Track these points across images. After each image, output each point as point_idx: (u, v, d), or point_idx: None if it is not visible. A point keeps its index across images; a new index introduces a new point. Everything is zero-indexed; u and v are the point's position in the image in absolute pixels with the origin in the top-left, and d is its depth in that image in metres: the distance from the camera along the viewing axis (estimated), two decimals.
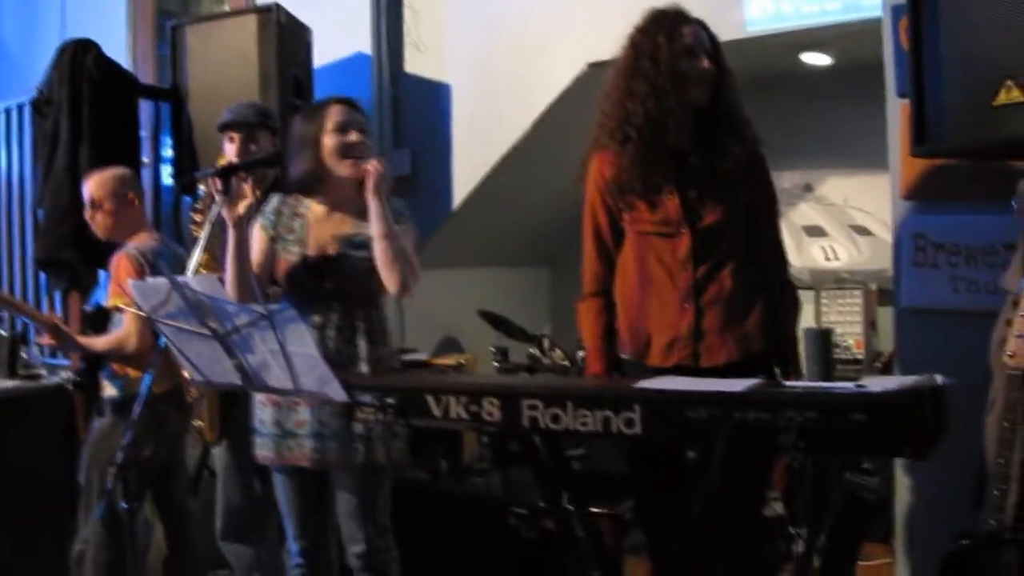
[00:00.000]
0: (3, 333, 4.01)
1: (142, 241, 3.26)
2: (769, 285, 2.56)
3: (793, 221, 5.05)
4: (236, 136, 3.16)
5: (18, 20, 7.03)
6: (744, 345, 2.46)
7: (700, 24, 2.52)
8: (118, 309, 3.17)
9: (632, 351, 2.58)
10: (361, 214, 2.68)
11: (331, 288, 2.67)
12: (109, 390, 3.26)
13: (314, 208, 2.76)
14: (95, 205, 3.28)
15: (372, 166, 2.59)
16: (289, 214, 2.76)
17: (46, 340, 3.32)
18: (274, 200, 2.79)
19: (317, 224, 2.73)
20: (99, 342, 3.21)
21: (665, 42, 2.45)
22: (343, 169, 2.68)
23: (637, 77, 2.46)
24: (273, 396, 2.63)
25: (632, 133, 2.47)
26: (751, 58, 4.22)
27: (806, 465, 3.17)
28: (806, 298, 4.74)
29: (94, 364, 3.29)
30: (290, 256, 2.71)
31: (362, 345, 2.66)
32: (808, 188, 5.01)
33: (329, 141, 2.67)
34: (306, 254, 2.70)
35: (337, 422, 2.58)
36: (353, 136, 2.69)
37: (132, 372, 3.20)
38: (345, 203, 2.73)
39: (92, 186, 3.30)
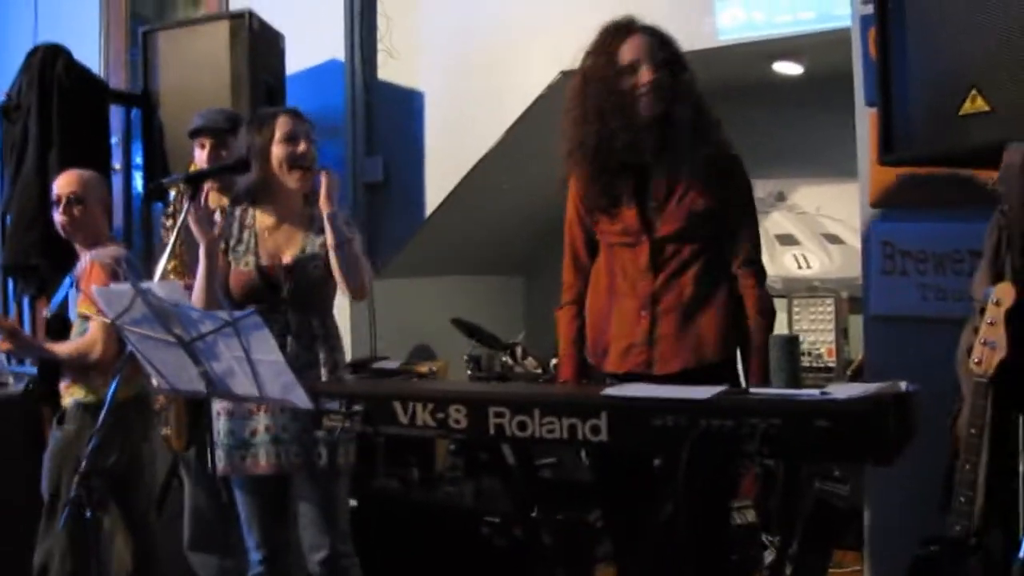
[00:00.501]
0: None
1: (108, 248, 3.23)
2: (735, 291, 2.53)
3: (766, 230, 5.07)
4: (207, 142, 3.15)
5: None
6: (698, 353, 2.45)
7: (650, 32, 2.48)
8: (86, 317, 3.14)
9: (592, 357, 2.60)
10: (309, 223, 2.74)
11: (287, 297, 2.70)
12: (74, 396, 3.21)
13: (262, 218, 2.78)
14: (74, 201, 3.21)
15: (325, 176, 2.60)
16: (237, 225, 2.78)
17: (3, 345, 3.24)
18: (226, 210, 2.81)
19: (267, 235, 2.76)
20: (62, 348, 3.17)
21: (604, 62, 2.46)
22: (292, 180, 2.71)
23: (585, 101, 2.48)
24: (228, 406, 2.66)
25: (588, 153, 2.49)
26: (723, 67, 4.23)
27: (777, 472, 3.18)
28: (778, 306, 4.75)
29: (52, 371, 3.24)
30: (242, 267, 2.72)
31: (320, 351, 2.70)
32: (781, 197, 5.03)
33: (278, 151, 2.70)
34: (261, 264, 2.72)
35: (296, 427, 2.61)
36: (302, 146, 2.71)
37: (93, 380, 3.17)
38: (293, 213, 2.77)
39: (71, 181, 3.25)
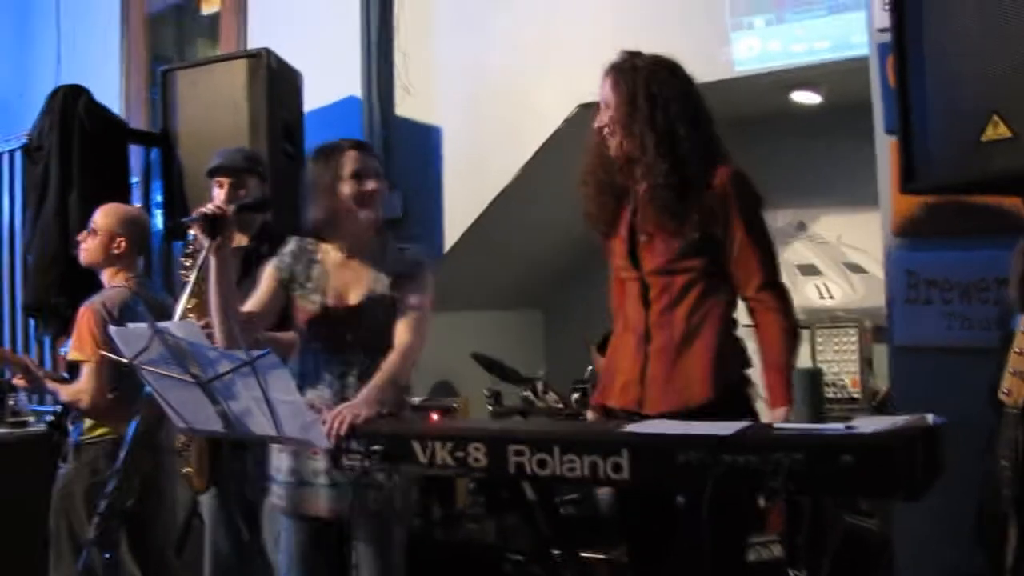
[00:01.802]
0: None
1: (116, 288, 3.26)
2: (729, 322, 2.47)
3: (787, 260, 5.03)
4: (224, 181, 3.15)
5: (14, 65, 7.08)
6: (684, 397, 2.37)
7: (618, 69, 2.47)
8: (77, 363, 3.15)
9: (603, 390, 2.58)
10: (380, 259, 2.69)
11: (352, 338, 2.63)
12: (71, 436, 3.26)
13: (331, 253, 2.72)
14: (90, 229, 3.31)
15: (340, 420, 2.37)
16: (306, 260, 2.73)
17: (19, 381, 3.31)
18: (291, 243, 2.77)
19: (335, 270, 2.71)
20: (62, 391, 3.22)
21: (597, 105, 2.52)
22: (361, 217, 2.66)
23: (597, 132, 2.53)
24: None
25: (589, 180, 2.56)
26: (740, 98, 4.23)
27: (803, 507, 3.13)
28: (801, 337, 4.71)
29: (67, 408, 3.27)
30: (310, 305, 2.68)
31: None
32: (801, 226, 5.00)
33: (346, 189, 2.64)
34: (327, 304, 2.66)
35: (354, 471, 2.45)
36: (371, 184, 2.67)
37: (87, 421, 3.21)
38: (362, 248, 2.71)
39: (100, 210, 3.34)
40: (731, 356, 2.44)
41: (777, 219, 5.02)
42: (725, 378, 2.41)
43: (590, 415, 2.71)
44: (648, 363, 2.44)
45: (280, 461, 2.67)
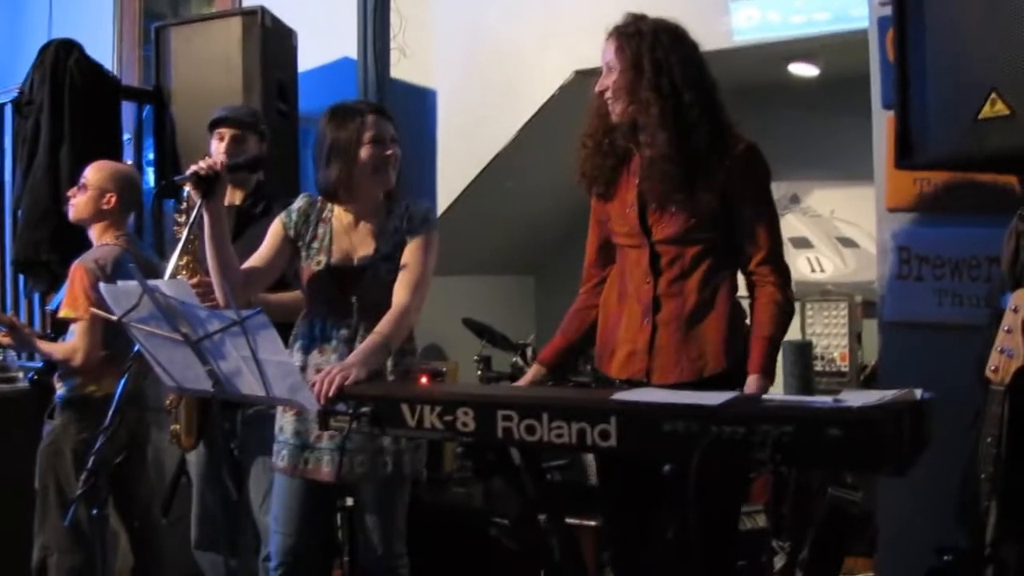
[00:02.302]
0: None
1: (106, 245, 3.26)
2: (747, 290, 2.46)
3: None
4: (226, 134, 3.12)
5: (5, 19, 6.99)
6: (697, 366, 2.38)
7: (622, 33, 2.42)
8: (65, 320, 3.15)
9: (598, 359, 2.56)
10: (386, 221, 2.67)
11: (356, 300, 2.62)
12: (58, 391, 3.27)
13: (340, 215, 2.71)
14: (79, 186, 3.30)
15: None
16: (315, 219, 2.72)
17: (4, 338, 3.31)
18: (300, 200, 2.75)
19: (343, 232, 2.70)
20: (52, 348, 3.24)
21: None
22: (377, 182, 2.65)
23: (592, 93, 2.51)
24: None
25: (588, 142, 2.52)
26: (738, 68, 4.21)
27: (789, 479, 3.15)
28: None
29: (53, 365, 3.27)
30: (315, 265, 2.67)
31: (389, 358, 2.60)
32: (795, 199, 5.00)
33: (365, 153, 2.62)
34: (332, 264, 2.66)
35: (361, 436, 2.50)
36: (390, 150, 2.65)
37: (76, 378, 3.21)
38: (371, 211, 2.70)
39: (90, 168, 3.34)
40: (742, 329, 2.44)
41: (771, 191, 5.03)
42: (737, 350, 2.41)
43: (533, 370, 2.69)
44: (657, 333, 2.42)
45: (284, 421, 2.67)
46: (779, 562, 3.64)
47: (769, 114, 4.75)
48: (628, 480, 2.43)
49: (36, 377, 3.36)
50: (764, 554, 3.47)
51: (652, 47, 2.37)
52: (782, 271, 2.44)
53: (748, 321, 2.47)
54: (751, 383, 2.32)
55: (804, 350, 3.55)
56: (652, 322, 2.42)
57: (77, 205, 3.30)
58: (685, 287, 2.41)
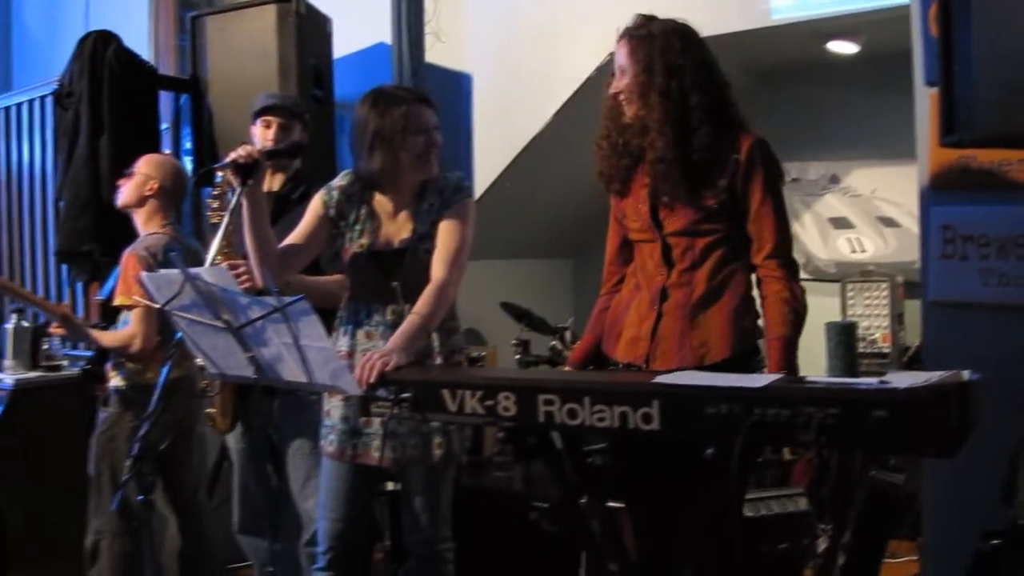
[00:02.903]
0: (25, 324, 4.01)
1: (154, 233, 3.29)
2: (751, 287, 2.47)
3: (819, 212, 4.99)
4: (274, 121, 3.14)
5: (43, 11, 7.06)
6: (700, 353, 2.38)
7: (624, 33, 2.45)
8: (125, 308, 3.18)
9: (604, 342, 2.59)
10: (421, 206, 2.66)
11: (400, 284, 2.61)
12: (114, 381, 3.30)
13: (381, 200, 2.70)
14: (131, 174, 3.36)
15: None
16: (357, 200, 2.70)
17: (57, 330, 3.36)
18: (342, 179, 2.73)
19: (384, 217, 2.69)
20: (106, 337, 3.26)
21: (611, 64, 2.49)
22: (421, 171, 2.64)
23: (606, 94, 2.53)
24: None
25: (603, 144, 2.53)
26: (776, 47, 4.17)
27: (830, 461, 3.12)
28: (832, 291, 4.69)
29: (105, 354, 3.31)
30: (356, 247, 2.67)
31: (435, 337, 2.60)
32: (834, 179, 4.94)
33: (411, 143, 2.59)
34: (374, 248, 2.65)
35: (411, 420, 2.48)
36: (434, 140, 2.64)
37: (132, 365, 3.24)
38: (411, 200, 2.68)
39: (142, 161, 3.39)
40: (749, 322, 2.44)
41: (809, 172, 4.97)
42: (742, 341, 2.41)
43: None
44: (661, 320, 2.44)
45: (331, 405, 2.68)
46: (821, 545, 3.62)
47: (808, 93, 4.71)
48: (649, 463, 2.42)
49: (88, 366, 3.40)
50: (806, 537, 3.45)
51: (663, 50, 2.39)
52: (789, 265, 2.44)
53: (758, 315, 2.46)
54: None
55: (848, 331, 3.51)
56: (658, 310, 2.45)
57: (123, 191, 3.36)
58: (694, 277, 2.43)
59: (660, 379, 2.03)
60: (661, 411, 1.94)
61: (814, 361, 3.00)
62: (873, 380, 1.84)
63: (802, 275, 2.50)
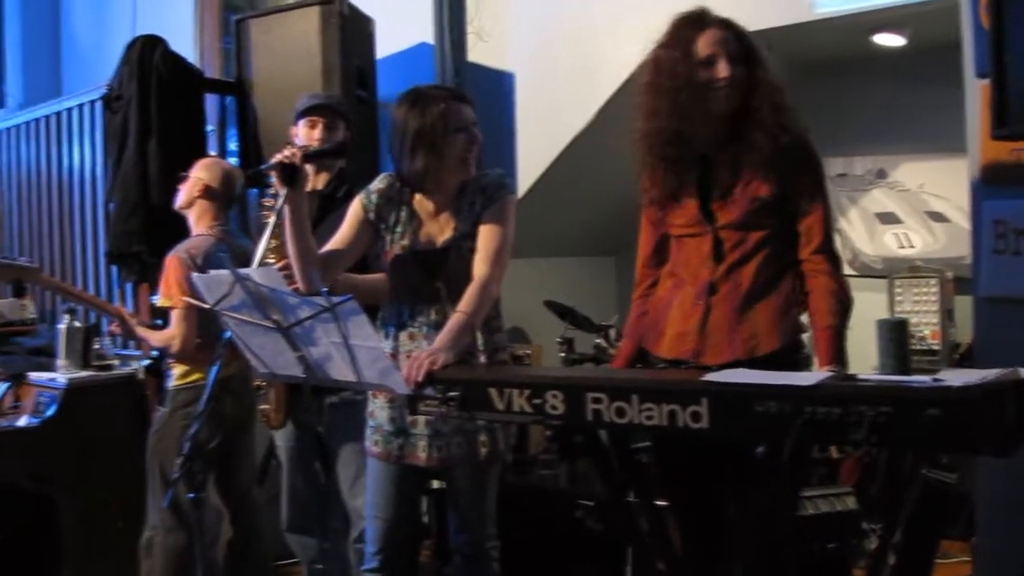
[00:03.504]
0: (78, 324, 4.08)
1: (200, 235, 3.35)
2: (800, 282, 2.44)
3: (865, 208, 4.93)
4: (319, 120, 3.16)
5: (91, 18, 7.17)
6: (750, 346, 2.36)
7: (725, 24, 2.40)
8: (166, 309, 3.23)
9: (646, 341, 2.56)
10: (463, 205, 2.66)
11: (443, 284, 2.61)
12: (168, 380, 3.37)
13: (421, 200, 2.69)
14: (186, 177, 3.42)
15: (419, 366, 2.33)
16: (396, 201, 2.70)
17: (115, 329, 3.47)
18: (382, 181, 2.72)
19: (425, 217, 2.68)
20: (153, 337, 3.33)
21: (680, 55, 2.39)
22: (463, 170, 2.63)
23: (658, 93, 2.42)
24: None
25: (657, 145, 2.44)
26: (820, 41, 4.12)
27: (879, 459, 3.08)
28: (879, 287, 4.63)
29: (164, 354, 3.38)
30: (398, 248, 2.68)
31: (478, 335, 2.60)
32: (881, 174, 4.88)
33: (453, 140, 2.58)
34: (416, 248, 2.65)
35: (456, 419, 2.50)
36: (475, 138, 2.63)
37: (181, 365, 3.31)
38: (452, 199, 2.67)
39: (196, 164, 3.46)
40: (795, 315, 2.42)
41: (855, 166, 4.92)
42: (790, 334, 2.40)
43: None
44: (710, 313, 2.41)
45: (375, 406, 2.70)
46: (870, 544, 3.58)
47: (853, 87, 4.66)
48: (696, 462, 2.41)
49: (151, 365, 3.48)
50: (855, 536, 3.42)
51: (749, 42, 2.39)
52: (834, 259, 2.43)
53: (798, 312, 2.44)
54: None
55: (900, 328, 3.46)
56: (706, 303, 2.42)
57: (180, 194, 3.43)
58: (743, 271, 2.41)
59: (709, 377, 2.01)
60: (710, 409, 1.92)
61: (861, 358, 2.96)
62: (926, 378, 1.81)
63: (849, 271, 2.48)
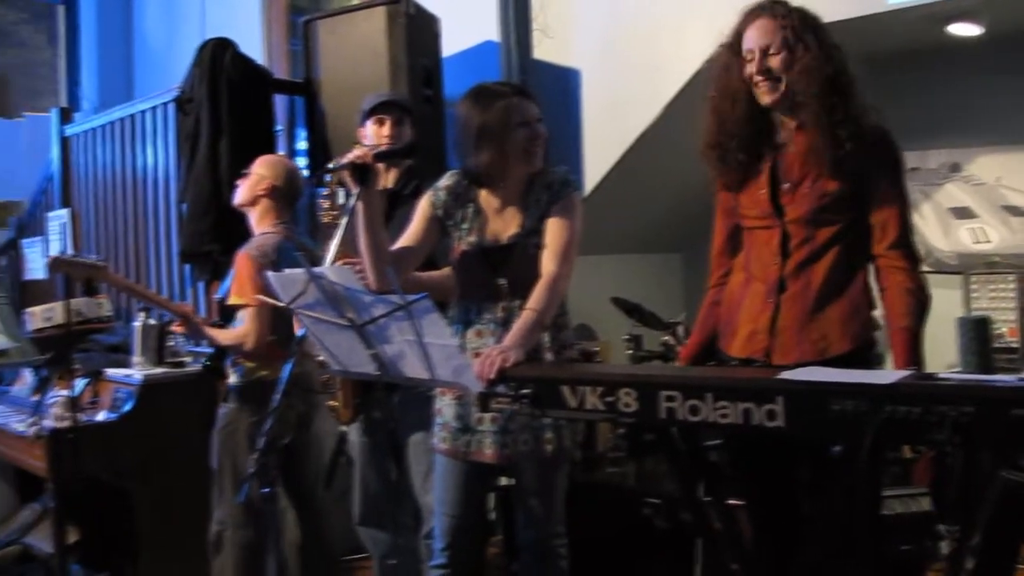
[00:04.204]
0: (152, 322, 4.17)
1: (266, 233, 3.38)
2: (876, 276, 2.40)
3: (939, 202, 4.82)
4: (387, 118, 3.18)
5: (161, 23, 7.33)
6: (820, 347, 2.32)
7: (780, 13, 2.36)
8: (238, 307, 3.28)
9: (721, 338, 2.54)
10: (529, 202, 2.67)
11: (508, 282, 2.63)
12: (232, 378, 3.40)
13: (487, 197, 2.72)
14: (247, 174, 3.46)
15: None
16: (463, 199, 2.72)
17: (178, 328, 3.50)
18: (447, 179, 2.76)
19: (491, 214, 2.70)
20: (222, 335, 3.35)
21: (729, 48, 2.42)
22: (527, 164, 2.65)
23: (715, 86, 2.46)
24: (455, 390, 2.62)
25: (723, 140, 2.45)
26: (892, 33, 4.04)
27: (955, 460, 3.02)
28: (954, 283, 4.53)
29: (223, 352, 3.41)
30: (465, 245, 2.70)
31: (545, 332, 2.61)
32: (955, 168, 4.77)
33: (515, 137, 2.61)
34: (483, 245, 2.67)
35: (524, 415, 2.51)
36: (538, 132, 2.65)
37: (248, 363, 3.34)
38: (517, 194, 2.69)
39: (257, 161, 3.50)
40: (869, 316, 2.38)
41: (929, 160, 4.81)
42: (862, 335, 2.35)
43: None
44: (780, 312, 2.38)
45: (443, 404, 2.72)
46: (946, 548, 3.50)
47: (927, 79, 4.55)
48: (768, 461, 2.38)
49: (209, 363, 3.52)
50: (929, 539, 3.35)
51: (812, 27, 2.34)
52: (912, 256, 2.37)
53: (877, 311, 2.39)
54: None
55: (982, 326, 3.40)
56: (776, 301, 2.39)
57: (239, 191, 3.47)
58: (813, 270, 2.37)
59: (785, 375, 1.99)
60: (786, 408, 1.90)
61: (936, 356, 2.90)
62: (1011, 377, 1.77)
63: (923, 267, 2.43)
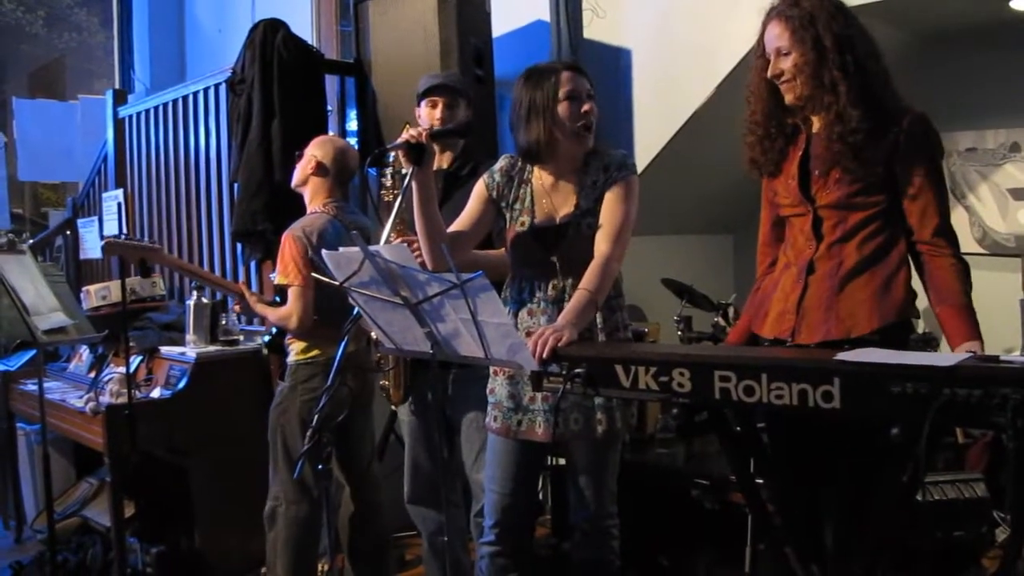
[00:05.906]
0: (205, 301, 4.23)
1: (314, 213, 3.42)
2: (905, 262, 2.38)
3: (997, 183, 4.73)
4: (440, 100, 3.19)
5: (213, 5, 7.39)
6: (847, 326, 2.31)
7: (783, 14, 2.35)
8: (282, 287, 3.32)
9: (753, 321, 2.55)
10: (585, 183, 2.68)
11: (559, 258, 2.64)
12: (287, 356, 3.45)
13: (541, 176, 2.73)
14: (296, 157, 3.52)
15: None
16: (517, 180, 2.75)
17: (237, 307, 3.60)
18: (502, 161, 2.78)
19: (545, 193, 2.71)
20: (271, 314, 3.40)
21: (757, 46, 2.45)
22: (576, 140, 2.65)
23: (751, 86, 2.50)
24: (508, 369, 2.64)
25: (756, 129, 2.50)
26: (950, 8, 3.96)
27: (1018, 442, 2.98)
28: (1012, 266, 4.44)
29: (283, 330, 3.45)
30: (519, 226, 2.71)
31: (598, 315, 2.61)
32: (1015, 147, 4.67)
33: (563, 110, 2.62)
34: (536, 225, 2.68)
35: (575, 395, 2.49)
36: (586, 106, 2.65)
37: (300, 342, 3.39)
38: (571, 171, 2.70)
39: (312, 142, 3.54)
40: (899, 296, 2.34)
41: (987, 140, 4.72)
42: (893, 314, 2.33)
43: None
44: (807, 291, 2.39)
45: (495, 383, 2.73)
46: (1001, 534, 3.46)
47: (987, 57, 4.46)
48: (821, 442, 2.36)
49: (270, 341, 3.58)
50: (984, 525, 3.32)
51: (828, 25, 2.32)
52: (955, 241, 2.37)
53: (914, 295, 2.37)
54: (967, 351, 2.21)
55: None
56: (804, 281, 2.39)
57: (296, 172, 3.51)
58: (844, 249, 2.37)
59: (841, 356, 1.97)
60: (842, 389, 1.90)
61: (996, 340, 2.86)
62: None
63: (978, 249, 2.40)
